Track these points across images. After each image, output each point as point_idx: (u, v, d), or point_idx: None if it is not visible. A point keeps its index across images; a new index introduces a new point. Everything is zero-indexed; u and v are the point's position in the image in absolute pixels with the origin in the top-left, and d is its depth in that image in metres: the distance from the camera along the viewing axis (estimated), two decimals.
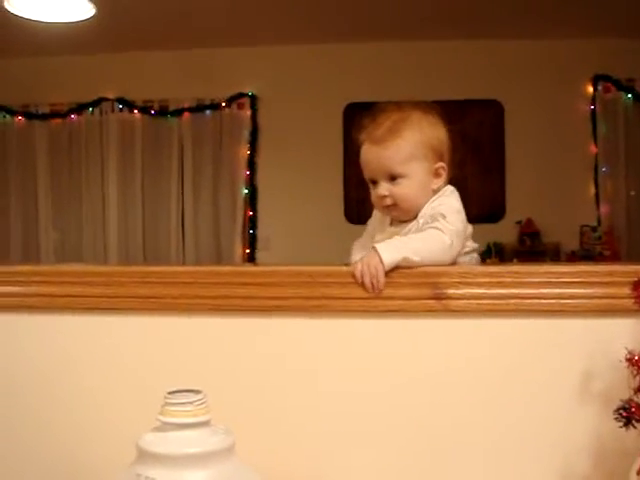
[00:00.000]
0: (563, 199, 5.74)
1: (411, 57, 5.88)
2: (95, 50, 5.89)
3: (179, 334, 1.37)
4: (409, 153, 1.52)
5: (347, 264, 1.35)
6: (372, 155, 1.55)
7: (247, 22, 5.44)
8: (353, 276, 1.29)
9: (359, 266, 1.29)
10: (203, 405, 1.06)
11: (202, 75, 6.05)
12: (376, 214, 1.67)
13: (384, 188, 1.54)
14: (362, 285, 1.28)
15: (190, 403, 1.05)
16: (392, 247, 1.31)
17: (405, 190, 1.52)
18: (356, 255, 1.56)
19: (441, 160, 1.57)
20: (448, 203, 1.49)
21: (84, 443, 1.37)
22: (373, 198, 1.59)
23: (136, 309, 1.37)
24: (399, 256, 1.29)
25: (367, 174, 1.58)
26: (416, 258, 1.30)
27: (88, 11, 3.33)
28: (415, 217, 1.52)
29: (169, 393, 1.07)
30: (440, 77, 5.74)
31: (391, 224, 1.60)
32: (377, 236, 1.59)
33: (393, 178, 1.53)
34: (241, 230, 6.20)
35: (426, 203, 1.52)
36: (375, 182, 1.56)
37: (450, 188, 1.56)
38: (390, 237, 1.48)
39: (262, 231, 6.22)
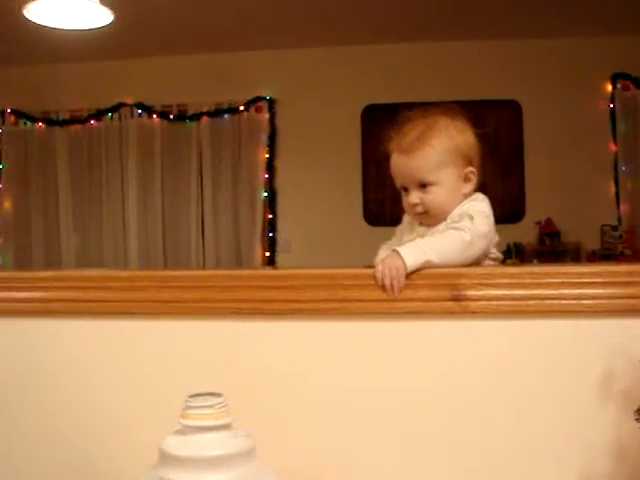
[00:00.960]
0: (583, 198, 5.71)
1: (429, 58, 5.88)
2: (114, 56, 5.94)
3: (200, 338, 1.38)
4: (438, 161, 1.52)
5: (371, 266, 1.35)
6: (402, 164, 1.55)
7: (264, 26, 5.46)
8: (374, 277, 1.29)
9: (380, 267, 1.29)
10: (224, 408, 1.07)
11: (220, 79, 6.07)
12: (406, 217, 1.67)
13: (415, 196, 1.54)
14: (382, 287, 1.29)
15: (211, 406, 1.06)
16: (415, 250, 1.31)
17: (436, 197, 1.52)
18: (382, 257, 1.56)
19: (470, 164, 1.57)
20: (478, 207, 1.49)
21: (107, 447, 1.38)
22: (405, 205, 1.59)
23: (157, 313, 1.38)
24: (422, 259, 1.30)
25: (398, 182, 1.58)
26: (437, 260, 1.31)
27: (106, 18, 3.34)
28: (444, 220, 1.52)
29: (190, 396, 1.07)
30: (458, 78, 5.73)
31: (420, 224, 1.60)
32: (405, 236, 1.59)
33: (424, 186, 1.53)
34: (261, 233, 6.22)
35: (457, 207, 1.52)
36: (406, 190, 1.56)
37: (481, 195, 1.55)
38: (419, 236, 1.49)
39: (282, 234, 6.23)
